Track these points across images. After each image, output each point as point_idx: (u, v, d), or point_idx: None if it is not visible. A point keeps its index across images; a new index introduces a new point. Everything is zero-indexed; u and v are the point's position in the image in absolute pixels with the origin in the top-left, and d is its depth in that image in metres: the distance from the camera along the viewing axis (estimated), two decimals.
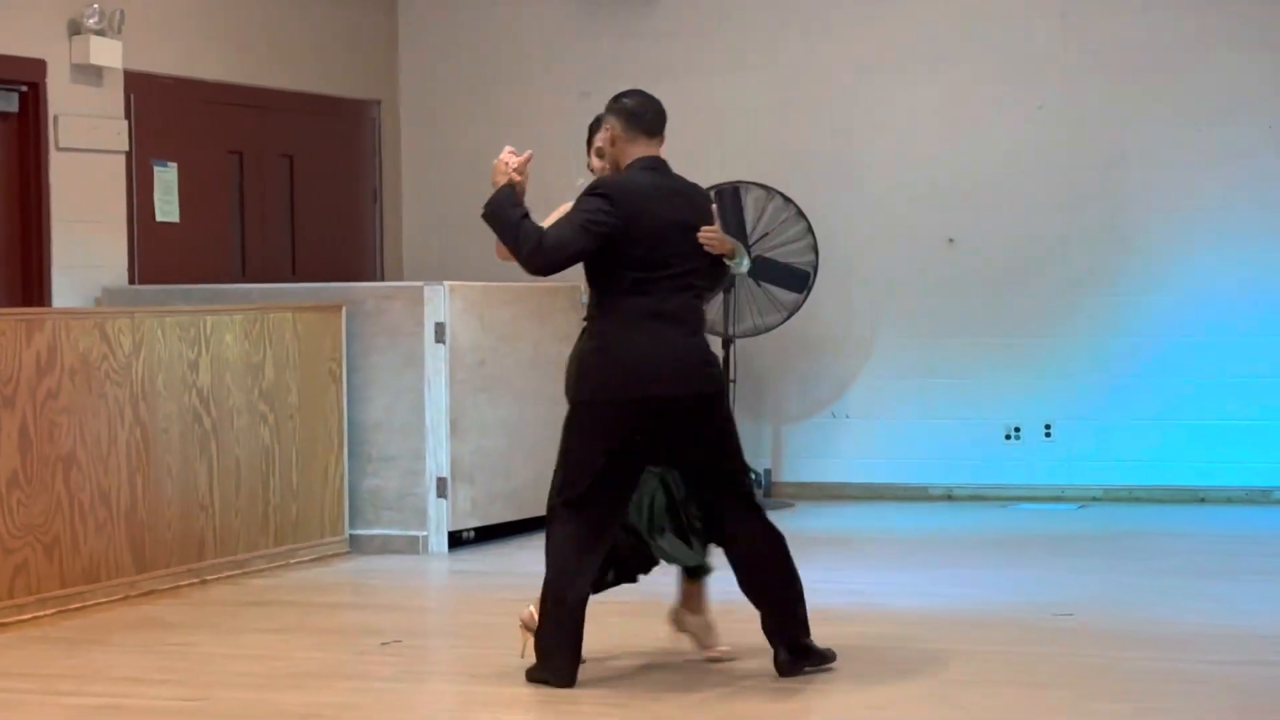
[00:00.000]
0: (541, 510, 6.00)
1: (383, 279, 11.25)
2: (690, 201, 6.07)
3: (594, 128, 6.29)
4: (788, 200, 10.57)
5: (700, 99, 10.98)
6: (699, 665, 6.27)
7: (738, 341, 10.69)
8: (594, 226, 5.87)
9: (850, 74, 10.97)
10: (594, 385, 5.93)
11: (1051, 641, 6.59)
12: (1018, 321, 10.75)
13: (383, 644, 6.72)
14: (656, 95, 6.14)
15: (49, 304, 9.10)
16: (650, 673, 6.19)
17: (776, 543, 6.05)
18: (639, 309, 5.90)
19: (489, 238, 6.12)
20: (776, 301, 10.58)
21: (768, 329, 10.64)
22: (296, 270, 10.78)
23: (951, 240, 10.86)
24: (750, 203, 10.56)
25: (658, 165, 6.04)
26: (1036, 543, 9.08)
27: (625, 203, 5.90)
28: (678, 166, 6.12)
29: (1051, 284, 10.71)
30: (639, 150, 6.03)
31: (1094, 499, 10.60)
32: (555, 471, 6.03)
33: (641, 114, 6.05)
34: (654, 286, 5.90)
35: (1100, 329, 10.62)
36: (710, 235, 6.01)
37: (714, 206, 6.21)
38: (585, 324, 6.07)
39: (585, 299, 6.13)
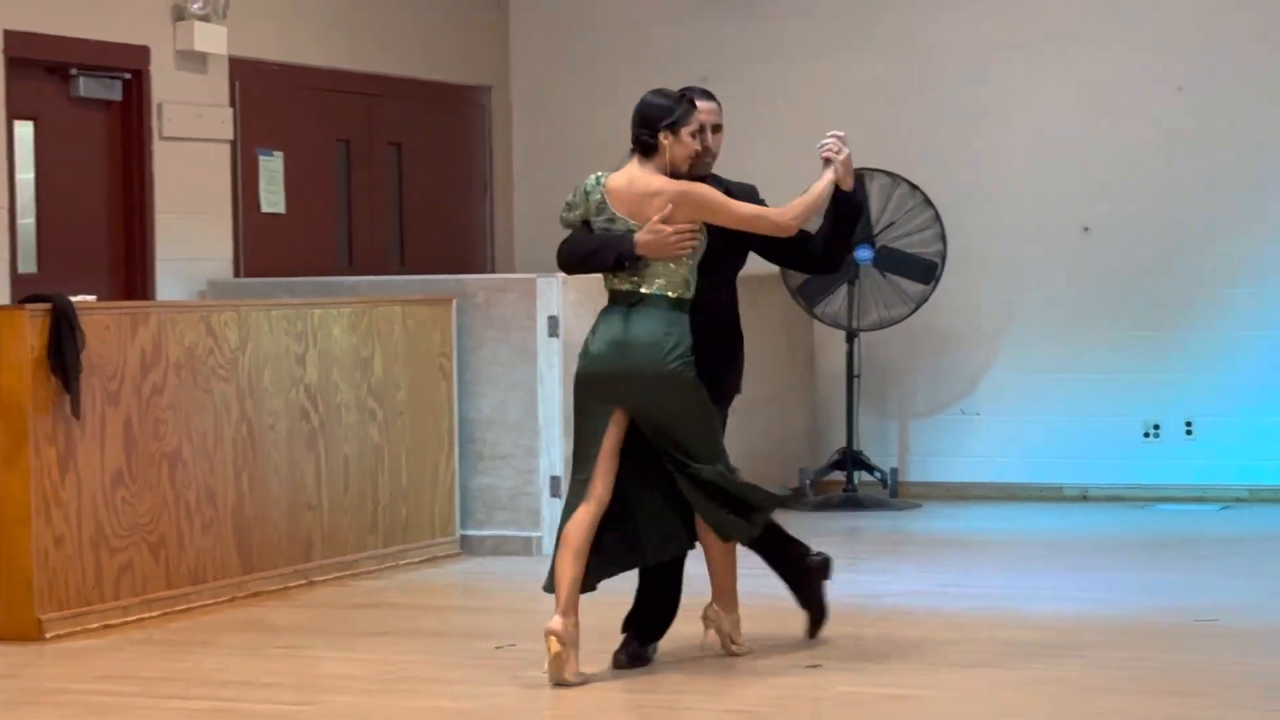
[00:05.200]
0: None
1: (493, 271, 11.29)
2: None
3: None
4: (914, 187, 10.51)
5: (823, 81, 10.94)
6: (803, 671, 6.19)
7: (862, 335, 10.65)
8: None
9: (981, 54, 10.86)
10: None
11: (1193, 648, 6.53)
12: (1157, 314, 10.61)
13: (497, 648, 6.69)
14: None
15: (153, 297, 9.14)
16: (752, 673, 6.09)
17: None
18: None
19: None
20: (903, 293, 10.52)
21: (894, 322, 10.60)
22: (405, 262, 10.83)
23: (1087, 229, 10.69)
24: (875, 190, 10.54)
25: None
26: (1177, 545, 9.01)
27: None
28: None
29: (1193, 275, 10.56)
30: None
31: (1238, 500, 10.46)
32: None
33: None
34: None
35: (1245, 322, 10.46)
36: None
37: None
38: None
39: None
